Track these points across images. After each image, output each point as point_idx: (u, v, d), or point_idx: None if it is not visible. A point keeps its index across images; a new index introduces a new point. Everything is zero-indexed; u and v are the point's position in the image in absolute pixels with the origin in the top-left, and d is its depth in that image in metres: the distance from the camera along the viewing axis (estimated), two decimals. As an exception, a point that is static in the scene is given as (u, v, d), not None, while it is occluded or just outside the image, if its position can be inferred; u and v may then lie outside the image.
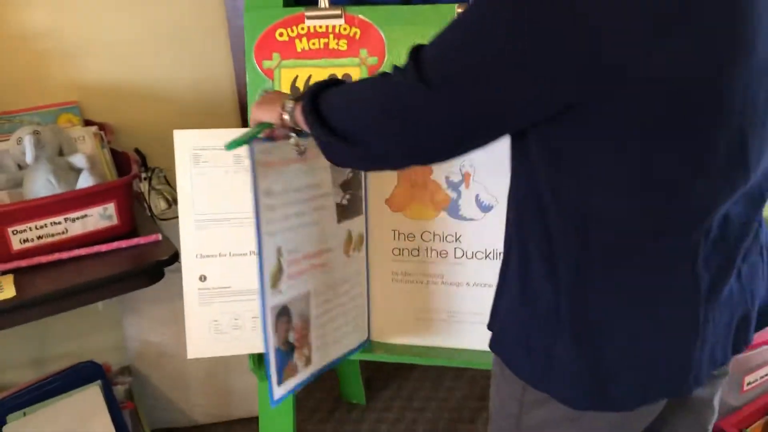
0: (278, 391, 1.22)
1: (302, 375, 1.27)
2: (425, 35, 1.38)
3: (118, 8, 1.96)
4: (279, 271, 1.18)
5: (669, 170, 0.79)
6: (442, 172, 1.41)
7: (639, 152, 0.78)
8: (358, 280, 1.44)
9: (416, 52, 0.83)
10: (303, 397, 2.27)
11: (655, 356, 0.90)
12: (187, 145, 1.36)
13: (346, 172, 1.36)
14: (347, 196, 1.36)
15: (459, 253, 1.42)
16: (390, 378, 2.37)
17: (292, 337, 1.23)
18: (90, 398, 1.83)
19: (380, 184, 1.44)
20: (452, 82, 0.79)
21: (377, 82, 0.89)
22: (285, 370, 1.22)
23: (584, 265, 0.87)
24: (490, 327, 1.06)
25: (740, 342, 0.99)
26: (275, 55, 1.45)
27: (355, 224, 1.40)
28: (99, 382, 1.87)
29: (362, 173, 1.40)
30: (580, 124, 0.78)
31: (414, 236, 1.44)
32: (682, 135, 0.77)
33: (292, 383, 1.24)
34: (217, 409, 2.14)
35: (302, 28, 1.43)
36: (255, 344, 1.41)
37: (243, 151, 1.10)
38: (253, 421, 2.13)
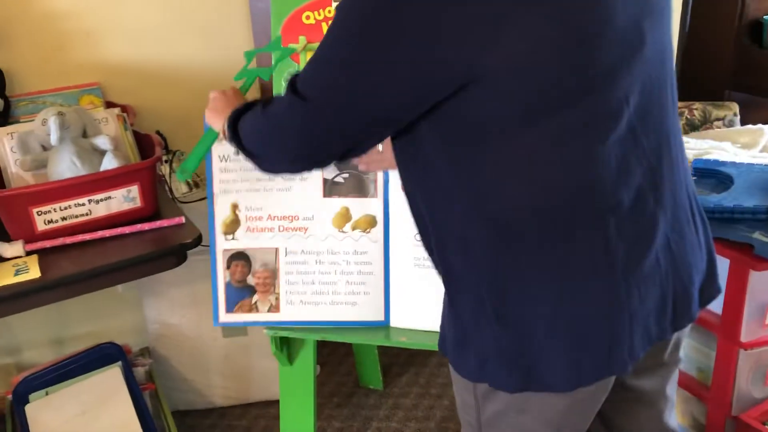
0: (224, 317, 1.51)
1: (266, 317, 1.50)
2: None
3: (140, -10, 1.96)
4: (235, 222, 1.48)
5: (556, 145, 0.83)
6: None
7: (524, 132, 0.82)
8: (367, 260, 1.46)
9: (294, 76, 0.92)
10: (321, 382, 2.28)
11: (580, 333, 0.90)
12: None
13: None
14: (344, 175, 1.45)
15: None
16: (408, 364, 2.37)
17: (251, 280, 1.49)
18: (111, 379, 1.84)
19: None
20: (320, 92, 0.88)
21: (268, 106, 0.98)
22: (240, 304, 1.50)
23: (498, 248, 0.89)
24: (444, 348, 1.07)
25: (682, 318, 0.98)
26: (301, 38, 1.44)
27: (358, 204, 1.45)
28: (119, 363, 1.89)
29: None
30: (461, 113, 0.83)
31: None
32: (561, 109, 0.81)
33: (247, 318, 1.51)
34: (236, 392, 2.15)
35: (329, 11, 1.42)
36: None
37: None
38: (271, 404, 2.14)
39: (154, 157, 1.55)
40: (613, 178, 0.86)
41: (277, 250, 1.49)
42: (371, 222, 1.46)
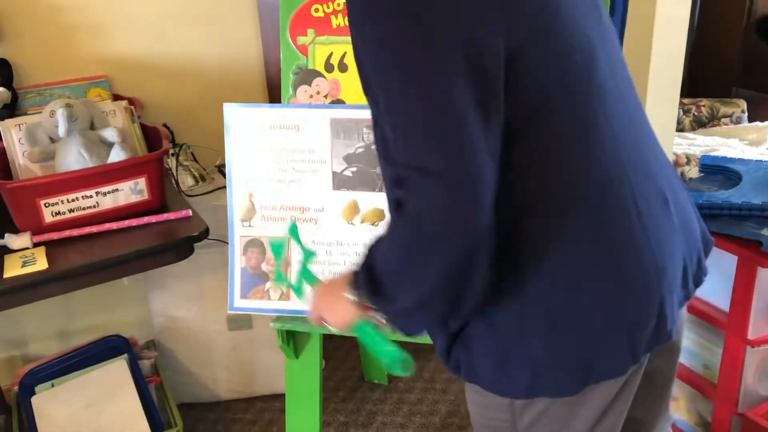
0: (238, 302, 1.55)
1: (277, 305, 1.53)
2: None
3: (148, -18, 1.96)
4: (251, 210, 1.51)
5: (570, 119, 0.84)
6: None
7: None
8: None
9: (394, 166, 0.82)
10: (326, 377, 2.28)
11: (633, 309, 0.89)
12: None
13: (355, 146, 1.44)
14: (352, 168, 1.46)
15: None
16: (412, 359, 2.37)
17: (265, 267, 1.53)
18: (116, 371, 1.85)
19: None
20: (440, 154, 0.77)
21: (398, 229, 0.83)
22: (253, 291, 1.54)
23: (546, 244, 0.86)
24: (454, 368, 1.00)
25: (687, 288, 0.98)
26: (310, 31, 1.43)
27: (366, 197, 1.46)
28: (125, 355, 1.89)
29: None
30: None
31: None
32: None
33: (259, 304, 1.54)
34: (241, 386, 2.15)
35: (338, 4, 1.41)
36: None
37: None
38: (275, 398, 2.15)
39: (162, 150, 1.55)
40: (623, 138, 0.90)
41: (289, 239, 1.49)
42: (379, 215, 1.47)
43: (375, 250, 0.88)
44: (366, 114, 1.40)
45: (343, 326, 0.97)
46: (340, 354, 2.41)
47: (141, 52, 2.02)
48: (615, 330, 0.89)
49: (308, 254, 1.11)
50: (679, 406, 1.87)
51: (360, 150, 1.45)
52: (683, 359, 1.81)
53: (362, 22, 0.79)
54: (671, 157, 1.94)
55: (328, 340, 2.39)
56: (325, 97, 1.46)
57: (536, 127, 0.83)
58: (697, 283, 1.00)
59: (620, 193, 0.87)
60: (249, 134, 1.48)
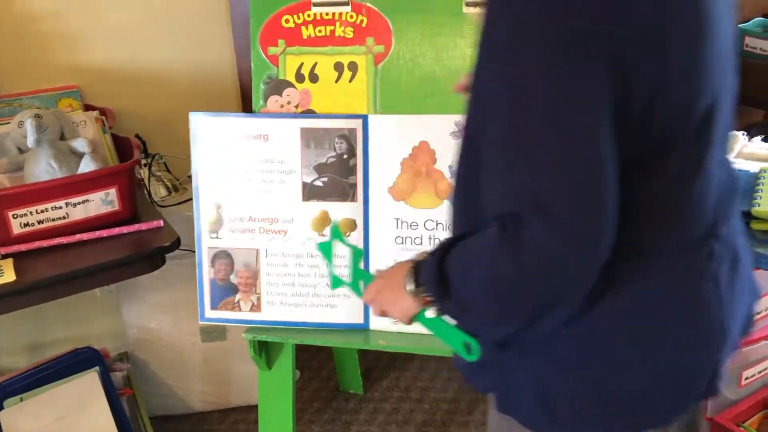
0: (209, 313, 1.54)
1: (248, 316, 1.52)
2: (433, 23, 1.39)
3: (120, -8, 1.95)
4: (218, 221, 1.49)
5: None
6: (446, 160, 1.41)
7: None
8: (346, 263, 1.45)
9: (507, 196, 0.74)
10: (301, 387, 2.27)
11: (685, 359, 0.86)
12: None
13: (326, 156, 1.43)
14: (323, 179, 1.45)
15: None
16: (388, 368, 2.37)
17: (234, 278, 1.51)
18: (88, 384, 1.82)
19: (382, 173, 1.44)
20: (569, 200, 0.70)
21: (500, 260, 0.76)
22: (223, 302, 1.53)
23: (601, 285, 0.79)
24: (486, 388, 0.97)
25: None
26: (281, 41, 1.44)
27: (337, 208, 1.45)
28: (97, 368, 1.86)
29: (350, 161, 1.42)
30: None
31: (417, 225, 1.44)
32: None
33: (229, 315, 1.53)
34: (215, 397, 2.14)
35: (308, 15, 1.42)
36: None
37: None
38: (251, 409, 2.13)
39: (133, 160, 1.54)
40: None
41: (258, 251, 1.49)
42: (351, 225, 1.46)
43: (458, 260, 0.82)
44: (337, 123, 1.42)
45: (406, 317, 0.95)
46: (315, 364, 2.40)
47: (113, 62, 2.01)
48: (672, 384, 0.87)
49: (358, 253, 1.10)
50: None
51: (331, 159, 1.44)
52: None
53: (511, 42, 0.72)
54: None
55: (302, 350, 2.39)
56: (296, 107, 1.46)
57: (649, 169, 0.78)
58: (745, 334, 0.97)
59: (705, 247, 0.84)
60: (216, 144, 1.46)
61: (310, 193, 1.47)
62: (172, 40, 2.06)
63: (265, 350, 1.54)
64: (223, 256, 1.51)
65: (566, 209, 0.70)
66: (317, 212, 1.47)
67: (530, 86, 0.71)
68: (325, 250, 1.12)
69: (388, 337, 1.48)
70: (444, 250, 0.84)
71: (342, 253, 1.10)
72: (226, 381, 2.12)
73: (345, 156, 1.44)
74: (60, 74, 1.94)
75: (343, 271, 1.10)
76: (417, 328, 1.47)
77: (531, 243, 0.72)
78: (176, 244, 1.47)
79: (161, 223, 1.54)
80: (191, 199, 1.94)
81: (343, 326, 1.49)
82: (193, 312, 1.99)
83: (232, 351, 2.06)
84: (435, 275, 0.84)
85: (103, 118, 1.70)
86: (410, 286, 0.89)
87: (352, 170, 1.44)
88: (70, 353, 1.88)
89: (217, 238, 1.50)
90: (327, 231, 1.47)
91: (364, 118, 1.43)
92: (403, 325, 0.98)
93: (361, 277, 1.07)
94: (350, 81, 1.44)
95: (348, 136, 1.43)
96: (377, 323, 1.48)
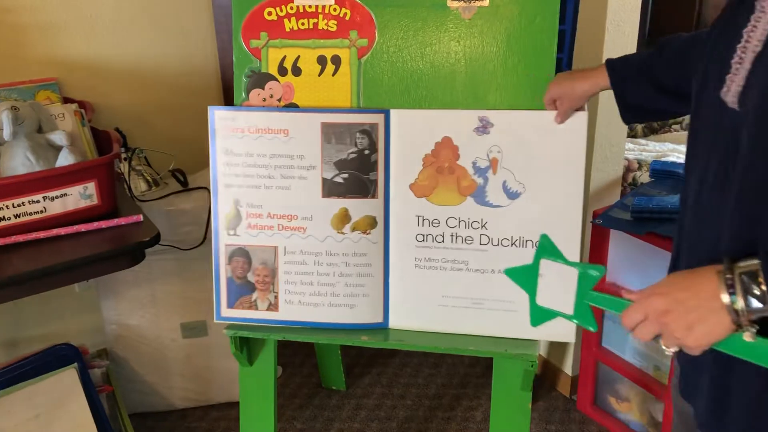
0: (225, 312, 1.49)
1: (265, 315, 1.48)
2: (417, 17, 1.38)
3: (99, -17, 1.92)
4: (236, 218, 1.45)
5: None
6: (469, 157, 1.39)
7: None
8: (366, 261, 1.43)
9: None
10: (283, 383, 2.26)
11: None
12: None
13: (347, 151, 1.39)
14: (343, 175, 1.40)
15: (485, 240, 1.40)
16: (370, 365, 2.36)
17: (251, 277, 1.47)
18: (66, 381, 1.79)
19: (404, 169, 1.41)
20: None
21: None
22: (240, 300, 1.48)
23: None
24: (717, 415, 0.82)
25: None
26: (263, 34, 1.42)
27: (358, 205, 1.41)
28: (75, 364, 1.84)
29: (371, 157, 1.40)
30: None
31: (439, 222, 1.42)
32: None
33: (247, 314, 1.48)
34: (196, 394, 2.12)
35: (291, 8, 1.40)
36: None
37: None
38: (231, 406, 2.12)
39: (112, 154, 1.52)
40: None
41: (276, 248, 1.46)
42: (371, 223, 1.43)
43: None
44: (359, 118, 1.40)
45: (707, 343, 0.75)
46: (297, 360, 2.39)
47: (93, 54, 1.98)
48: None
49: (592, 274, 0.87)
50: (631, 407, 1.90)
51: (352, 156, 1.40)
52: (634, 361, 1.84)
53: None
54: (623, 163, 1.97)
55: (284, 346, 2.38)
56: (279, 100, 1.44)
57: None
58: None
59: None
60: (234, 138, 1.42)
61: (330, 189, 1.42)
62: (153, 33, 2.03)
63: (246, 346, 1.53)
64: (240, 254, 1.47)
65: None
66: (337, 209, 1.43)
67: None
68: (523, 275, 0.88)
69: (408, 336, 1.45)
70: None
71: (551, 272, 0.87)
72: (207, 378, 2.10)
73: (366, 151, 1.40)
74: (38, 66, 1.91)
75: (550, 300, 0.88)
76: (442, 327, 1.45)
77: None
78: (156, 239, 1.45)
79: (141, 217, 1.52)
80: (172, 193, 1.93)
81: (364, 326, 1.46)
82: (174, 308, 1.99)
83: (213, 347, 2.05)
84: None
85: (82, 111, 1.68)
86: (734, 300, 0.71)
87: (373, 166, 1.41)
88: (47, 350, 1.86)
89: (234, 235, 1.46)
90: (347, 228, 1.43)
91: (386, 113, 1.40)
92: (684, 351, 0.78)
93: (600, 303, 0.84)
94: (333, 74, 1.42)
95: (369, 131, 1.40)
96: (396, 322, 1.46)
